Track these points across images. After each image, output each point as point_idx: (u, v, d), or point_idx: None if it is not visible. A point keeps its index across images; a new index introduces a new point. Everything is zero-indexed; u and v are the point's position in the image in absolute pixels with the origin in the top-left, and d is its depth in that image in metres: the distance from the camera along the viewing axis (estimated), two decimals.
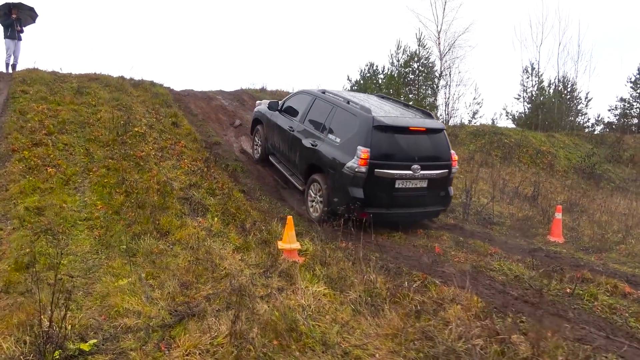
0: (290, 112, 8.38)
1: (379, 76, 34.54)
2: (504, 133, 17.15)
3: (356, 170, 6.27)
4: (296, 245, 5.17)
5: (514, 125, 25.12)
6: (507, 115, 28.54)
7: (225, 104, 13.33)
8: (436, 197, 6.85)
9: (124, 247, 5.30)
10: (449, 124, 20.57)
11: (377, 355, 3.12)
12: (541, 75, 28.61)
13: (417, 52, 23.15)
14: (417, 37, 24.38)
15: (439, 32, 23.06)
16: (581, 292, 4.38)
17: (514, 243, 6.66)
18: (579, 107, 29.96)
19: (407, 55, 23.97)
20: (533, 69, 27.84)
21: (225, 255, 5.20)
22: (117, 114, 9.48)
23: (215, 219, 6.55)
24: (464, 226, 7.41)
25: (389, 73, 25.05)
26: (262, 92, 15.21)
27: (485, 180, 11.33)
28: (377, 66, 33.79)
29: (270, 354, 3.13)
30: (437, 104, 21.53)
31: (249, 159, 9.87)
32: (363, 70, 34.58)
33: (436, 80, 21.41)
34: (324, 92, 7.89)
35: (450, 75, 22.62)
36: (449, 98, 23.32)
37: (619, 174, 15.86)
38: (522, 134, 17.45)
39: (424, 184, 6.60)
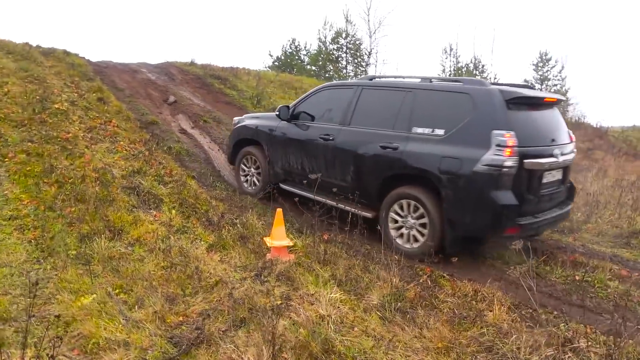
0: (313, 117, 6.08)
1: (301, 52, 34.04)
2: None
3: (502, 164, 4.25)
4: (287, 241, 4.56)
5: None
6: None
7: (152, 77, 11.96)
8: (566, 191, 5.34)
9: (73, 252, 4.32)
10: None
11: None
12: (459, 56, 29.99)
13: (345, 28, 22.86)
14: (344, 13, 24.11)
15: (368, 9, 22.89)
16: (590, 278, 4.30)
17: None
18: None
19: (335, 32, 23.61)
20: (451, 49, 29.00)
21: (200, 257, 4.44)
22: (30, 88, 7.96)
23: (173, 211, 5.68)
24: None
25: (316, 49, 24.56)
26: (192, 66, 13.93)
27: None
28: (299, 42, 33.15)
29: None
30: None
31: (207, 156, 8.82)
32: (285, 46, 33.83)
33: (366, 57, 21.30)
34: (371, 79, 6.01)
35: (377, 53, 22.74)
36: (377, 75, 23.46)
37: None
38: None
39: (560, 174, 4.99)
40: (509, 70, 40.43)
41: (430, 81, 5.17)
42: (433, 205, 4.63)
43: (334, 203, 5.35)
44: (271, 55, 34.50)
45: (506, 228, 4.41)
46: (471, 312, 3.36)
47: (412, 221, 4.86)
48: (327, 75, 24.69)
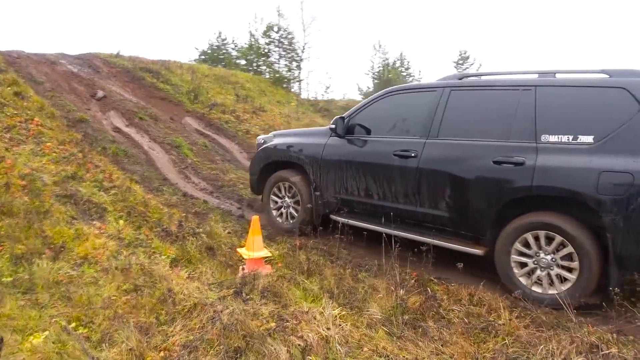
0: (375, 130, 4.89)
1: (228, 46, 32.92)
2: None
3: None
4: (265, 252, 4.12)
5: (360, 99, 26.29)
6: (358, 90, 29.88)
7: (74, 70, 10.77)
8: None
9: (8, 279, 3.59)
10: (309, 97, 20.46)
11: None
12: (387, 53, 30.57)
13: (277, 22, 22.25)
14: (276, 7, 23.53)
15: (302, 3, 22.50)
16: None
17: None
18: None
19: (266, 26, 22.93)
20: (380, 46, 29.50)
21: (167, 275, 3.88)
22: None
23: (121, 221, 5.03)
24: None
25: (247, 43, 23.74)
26: (118, 58, 12.76)
27: None
28: (226, 35, 32.03)
29: None
30: (301, 78, 21.11)
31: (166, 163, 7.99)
32: (211, 40, 32.54)
33: (300, 52, 20.90)
34: (461, 78, 4.59)
35: (310, 48, 22.41)
36: (309, 71, 23.20)
37: None
38: None
39: None
40: (432, 67, 42.07)
41: (554, 75, 4.04)
42: (586, 237, 3.52)
43: (419, 237, 4.31)
44: (197, 49, 33.10)
45: None
46: (481, 321, 3.16)
47: (548, 258, 3.68)
48: (258, 69, 23.99)
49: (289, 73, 21.21)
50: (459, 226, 4.18)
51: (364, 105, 5.06)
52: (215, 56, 31.75)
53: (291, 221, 5.47)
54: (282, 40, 22.52)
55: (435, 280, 4.15)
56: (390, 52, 32.83)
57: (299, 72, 21.11)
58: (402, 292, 3.40)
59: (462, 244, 4.13)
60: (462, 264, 3.72)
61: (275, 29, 22.81)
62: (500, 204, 3.89)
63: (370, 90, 29.72)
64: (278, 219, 5.63)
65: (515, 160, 3.80)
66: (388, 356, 2.83)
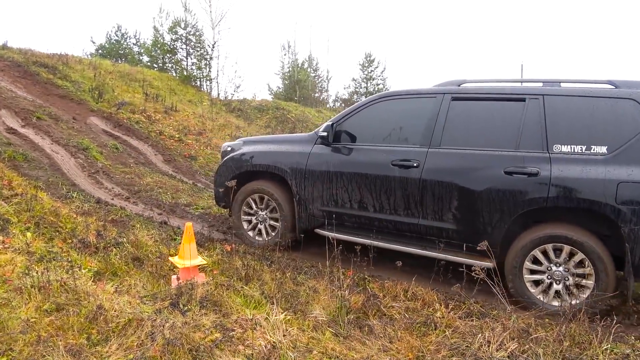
0: (366, 137, 4.63)
1: (130, 40, 31.09)
2: (285, 108, 17.73)
3: None
4: (200, 260, 3.96)
5: (271, 99, 26.34)
6: (268, 90, 29.85)
7: None
8: None
9: None
10: (219, 96, 20.05)
11: None
12: (296, 53, 30.86)
13: (185, 18, 21.43)
14: (182, 1, 22.65)
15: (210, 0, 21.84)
16: None
17: None
18: (323, 85, 33.76)
19: (172, 22, 21.98)
20: (289, 46, 29.71)
21: (89, 290, 3.58)
22: None
23: (28, 234, 4.54)
24: None
25: (152, 38, 22.56)
26: (6, 50, 11.49)
27: None
28: (127, 29, 30.26)
29: None
30: (212, 76, 20.51)
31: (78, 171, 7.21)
32: (109, 33, 30.53)
33: (210, 50, 20.28)
34: (460, 84, 4.41)
35: (220, 47, 21.86)
36: (219, 70, 22.61)
37: None
38: (300, 109, 18.38)
39: None
40: (340, 69, 43.26)
41: (559, 85, 4.04)
42: (598, 248, 3.53)
43: (421, 251, 4.16)
44: (93, 42, 30.84)
45: None
46: (420, 315, 3.33)
47: (561, 270, 3.66)
48: (165, 67, 22.94)
49: (199, 71, 20.56)
50: (467, 239, 4.02)
51: (352, 111, 4.74)
52: (115, 51, 29.84)
53: (267, 237, 5.07)
54: (189, 37, 21.76)
55: (369, 278, 4.29)
56: (299, 53, 33.10)
57: (209, 71, 20.55)
58: (345, 292, 3.45)
59: (470, 258, 3.95)
60: (400, 262, 3.86)
61: (182, 25, 21.99)
62: (512, 217, 3.81)
63: (281, 90, 29.86)
64: (250, 233, 5.20)
65: (528, 170, 3.74)
66: (338, 357, 2.87)
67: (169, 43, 22.38)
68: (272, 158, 5.04)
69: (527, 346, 2.85)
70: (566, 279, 3.66)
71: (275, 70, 33.66)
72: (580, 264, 3.60)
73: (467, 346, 2.87)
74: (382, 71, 35.06)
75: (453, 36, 55.06)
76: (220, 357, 2.73)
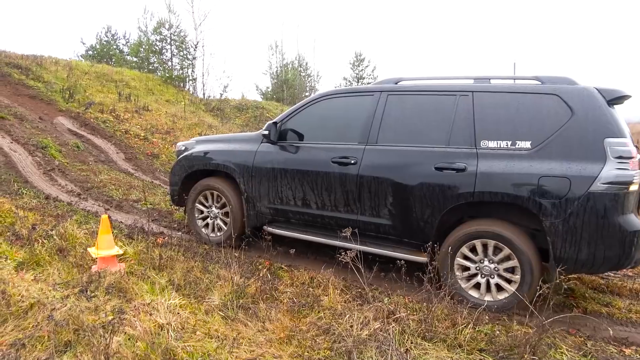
0: (309, 135, 4.72)
1: (119, 42, 31.32)
2: (264, 107, 17.93)
3: (631, 181, 3.40)
4: (115, 250, 4.19)
5: (261, 99, 26.59)
6: (256, 90, 30.08)
7: None
8: None
9: None
10: (205, 97, 20.28)
11: None
12: (284, 53, 31.13)
13: (168, 19, 21.69)
14: (166, 2, 22.90)
15: (192, 0, 22.08)
16: None
17: None
18: (312, 84, 34.02)
19: (157, 22, 22.24)
20: (277, 46, 29.96)
21: (6, 278, 3.81)
22: None
23: None
24: None
25: (137, 39, 22.81)
26: None
27: None
28: (116, 30, 30.51)
29: None
30: (195, 76, 20.77)
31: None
32: (100, 34, 30.78)
33: (192, 50, 20.53)
34: (397, 82, 4.48)
35: (204, 46, 22.10)
36: (204, 70, 22.88)
37: None
38: (280, 108, 18.59)
39: None
40: (331, 68, 43.51)
41: (489, 81, 4.09)
42: (524, 242, 3.61)
43: (361, 247, 4.09)
44: (84, 43, 31.08)
45: (637, 261, 3.49)
46: (309, 299, 3.56)
47: (491, 266, 3.74)
48: (150, 67, 23.18)
49: (182, 72, 20.80)
50: (402, 234, 4.12)
51: (296, 110, 4.80)
52: (105, 52, 30.08)
53: (219, 233, 5.18)
54: (174, 37, 22.02)
55: (285, 267, 4.52)
56: (287, 53, 33.37)
57: (192, 71, 20.80)
58: (239, 278, 3.69)
59: (406, 253, 4.04)
60: (293, 250, 4.10)
61: (167, 25, 22.25)
62: (442, 211, 3.88)
63: (269, 90, 30.11)
64: (204, 230, 5.29)
65: (456, 166, 3.81)
66: (219, 337, 3.10)
67: (154, 44, 22.64)
68: (221, 157, 5.12)
69: (391, 325, 3.09)
70: (493, 274, 3.73)
71: (263, 70, 33.89)
72: (507, 258, 3.66)
73: (336, 325, 3.10)
74: (373, 70, 35.33)
75: (445, 35, 55.29)
76: (104, 336, 2.95)
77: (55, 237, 4.65)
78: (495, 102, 3.88)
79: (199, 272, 4.03)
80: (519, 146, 3.69)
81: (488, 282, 3.78)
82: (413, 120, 4.22)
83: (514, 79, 4.18)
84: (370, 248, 4.19)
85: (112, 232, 5.31)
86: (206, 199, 5.27)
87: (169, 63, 22.30)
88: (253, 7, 48.40)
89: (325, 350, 2.87)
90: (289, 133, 4.77)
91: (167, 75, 20.21)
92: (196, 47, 20.54)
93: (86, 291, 3.67)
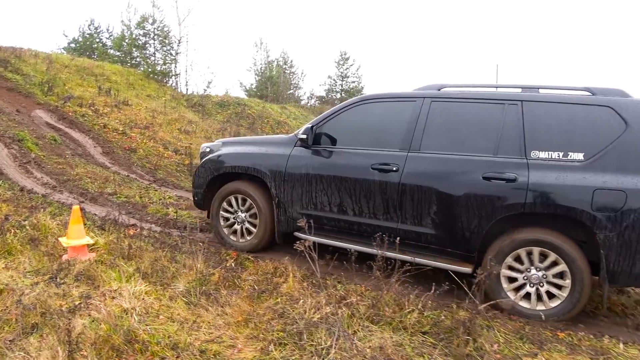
0: (345, 140, 4.58)
1: (102, 35, 31.06)
2: (246, 104, 18.06)
3: None
4: (86, 240, 4.34)
5: (245, 96, 26.68)
6: (240, 86, 30.13)
7: None
8: None
9: None
10: (188, 92, 20.32)
11: (238, 346, 3.00)
12: (269, 50, 31.22)
13: (152, 13, 21.64)
14: None
15: None
16: None
17: None
18: (297, 82, 34.16)
19: (140, 17, 22.15)
20: (262, 43, 30.03)
21: None
22: None
23: None
24: None
25: (120, 33, 22.70)
26: None
27: None
28: (99, 24, 30.25)
29: None
30: (178, 72, 20.78)
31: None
32: (82, 27, 30.49)
33: (175, 46, 20.53)
34: (440, 88, 4.40)
35: (187, 42, 22.08)
36: (187, 66, 22.88)
37: None
38: (262, 105, 18.73)
39: None
40: (316, 66, 43.67)
41: (537, 90, 4.03)
42: (574, 251, 3.59)
43: (402, 256, 3.91)
44: (66, 36, 30.77)
45: None
46: (269, 286, 3.78)
47: (539, 275, 3.71)
48: (133, 62, 23.09)
49: (165, 67, 20.79)
50: (446, 244, 4.01)
51: (332, 114, 4.68)
52: (87, 45, 29.79)
53: (248, 238, 5.01)
54: (157, 32, 21.97)
55: (251, 258, 4.72)
56: (272, 50, 33.48)
57: (175, 66, 20.81)
58: (203, 267, 3.88)
59: (449, 262, 3.97)
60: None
61: (150, 20, 22.18)
62: (490, 221, 3.79)
63: (253, 86, 30.18)
64: (232, 237, 5.10)
65: (506, 176, 3.73)
66: (180, 321, 3.29)
67: (137, 38, 22.56)
68: (251, 160, 4.94)
69: (341, 310, 3.31)
70: (542, 283, 3.70)
71: (247, 67, 34.03)
72: (555, 264, 3.65)
73: (291, 309, 3.31)
74: (357, 69, 35.60)
75: (429, 36, 55.83)
76: (69, 318, 3.12)
77: (27, 227, 4.78)
78: (545, 112, 3.83)
79: (167, 262, 4.21)
80: (572, 157, 3.65)
81: (537, 291, 3.73)
82: (458, 128, 4.14)
83: (564, 89, 4.06)
84: (410, 257, 4.02)
85: (85, 224, 5.48)
86: (230, 203, 5.08)
87: (152, 58, 22.26)
88: (238, 3, 48.31)
89: (279, 332, 3.08)
90: (324, 137, 4.65)
91: (149, 70, 20.18)
92: (179, 43, 20.57)
93: (55, 278, 3.83)
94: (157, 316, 3.34)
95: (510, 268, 3.80)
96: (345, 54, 35.15)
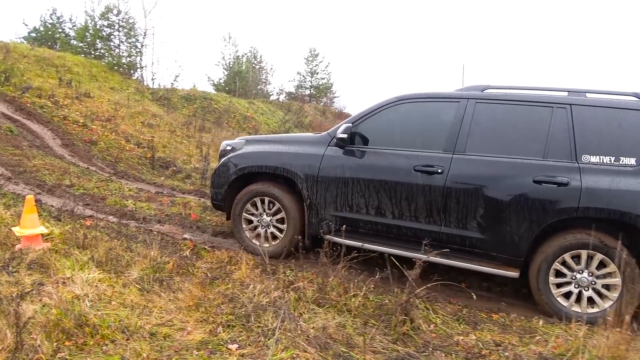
0: (387, 140, 4.46)
1: (65, 25, 30.17)
2: (213, 98, 17.97)
3: None
4: (40, 229, 4.35)
5: (213, 90, 26.48)
6: (208, 80, 29.85)
7: None
8: None
9: None
10: (154, 86, 20.03)
11: (188, 328, 3.12)
12: (237, 45, 31.05)
13: (117, 4, 21.17)
14: None
15: None
16: None
17: None
18: (266, 77, 34.09)
19: (105, 7, 21.64)
20: (230, 37, 29.83)
21: None
22: None
23: None
24: (205, 190, 7.68)
25: (84, 24, 22.10)
26: None
27: (208, 145, 11.75)
28: (62, 13, 29.38)
29: (69, 358, 2.71)
30: (144, 65, 20.44)
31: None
32: (44, 16, 29.56)
33: (141, 38, 20.18)
34: (483, 89, 4.32)
35: (154, 34, 21.74)
36: (154, 59, 22.50)
37: None
38: (229, 100, 18.66)
39: None
40: (286, 62, 43.64)
41: (585, 95, 4.02)
42: (624, 257, 3.55)
43: (445, 261, 4.00)
44: (26, 25, 29.74)
45: None
46: (222, 273, 3.91)
47: (590, 279, 3.71)
48: (97, 53, 22.55)
49: (129, 59, 20.43)
50: (492, 248, 3.93)
51: (368, 113, 4.53)
52: (49, 35, 28.88)
53: (274, 242, 4.79)
54: (122, 24, 21.53)
55: (207, 248, 4.83)
56: (240, 45, 33.27)
57: (141, 59, 20.48)
58: (157, 255, 3.98)
59: (495, 267, 3.88)
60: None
61: (115, 11, 21.71)
62: (541, 226, 3.77)
63: (222, 81, 29.94)
64: (253, 240, 4.87)
65: (558, 180, 3.72)
66: (133, 306, 3.39)
67: (101, 29, 22.03)
68: (280, 159, 4.72)
69: (289, 294, 3.48)
70: (592, 284, 3.71)
71: (215, 61, 33.76)
72: (604, 268, 3.66)
73: (241, 294, 3.46)
74: (327, 66, 35.79)
75: (397, 34, 56.60)
76: (20, 304, 3.17)
77: None
78: (595, 116, 3.82)
79: (122, 251, 4.28)
80: (624, 162, 3.66)
81: (580, 294, 3.75)
82: (504, 130, 4.08)
83: (611, 94, 4.06)
84: (454, 262, 4.02)
85: (41, 214, 5.46)
86: (255, 205, 4.86)
87: (117, 50, 21.79)
88: None
89: (228, 315, 3.22)
90: (357, 137, 4.52)
91: (114, 62, 19.78)
92: (145, 35, 20.24)
93: (8, 267, 3.85)
94: (110, 302, 3.42)
95: (557, 272, 3.79)
96: (314, 51, 35.28)
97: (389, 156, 4.33)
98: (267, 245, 4.78)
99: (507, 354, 2.76)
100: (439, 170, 4.06)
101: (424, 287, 3.47)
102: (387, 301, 3.69)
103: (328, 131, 4.75)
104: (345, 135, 4.38)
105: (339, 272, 3.70)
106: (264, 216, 4.82)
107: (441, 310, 3.79)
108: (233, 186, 4.93)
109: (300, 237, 4.40)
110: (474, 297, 3.84)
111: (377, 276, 3.83)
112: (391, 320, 3.30)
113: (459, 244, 4.07)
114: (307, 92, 35.03)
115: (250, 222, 4.89)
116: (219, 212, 5.59)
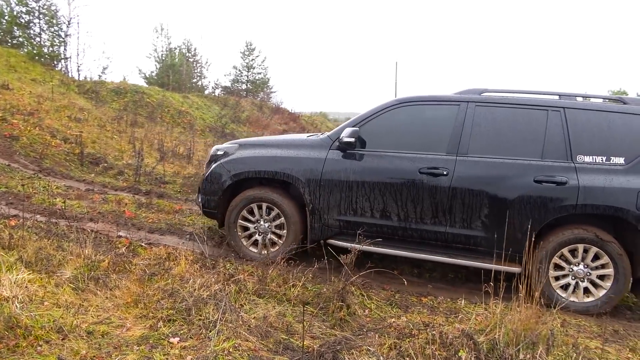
0: (389, 143, 4.50)
1: None
2: (145, 92, 17.34)
3: None
4: None
5: (145, 84, 25.50)
6: (139, 73, 28.65)
7: None
8: None
9: None
10: (80, 78, 18.96)
11: (127, 325, 3.10)
12: (170, 37, 30.01)
13: None
14: None
15: None
16: None
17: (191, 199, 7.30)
18: (201, 70, 33.29)
19: None
20: (163, 29, 28.81)
21: None
22: None
23: None
24: (140, 187, 7.47)
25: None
26: None
27: (141, 140, 11.38)
28: None
29: None
30: (68, 55, 19.26)
31: None
32: None
33: (65, 27, 18.99)
34: (481, 92, 4.47)
35: (79, 23, 20.48)
36: (79, 49, 21.21)
37: (242, 132, 18.81)
38: (162, 94, 18.07)
39: None
40: (221, 56, 42.84)
41: (575, 98, 4.35)
42: (618, 250, 3.94)
43: (450, 260, 4.23)
44: None
45: None
46: (161, 270, 3.89)
47: (587, 270, 4.04)
48: (15, 42, 20.95)
49: (52, 49, 19.17)
50: (497, 245, 4.02)
51: (369, 117, 4.56)
52: None
53: (273, 249, 4.66)
54: (42, 11, 20.13)
55: (144, 245, 4.76)
56: (174, 37, 32.22)
57: (65, 49, 19.28)
58: (91, 253, 3.89)
59: (498, 263, 3.92)
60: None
61: None
62: (541, 223, 4.04)
63: (154, 74, 28.84)
64: (251, 247, 4.77)
65: (557, 179, 4.01)
66: (67, 306, 3.31)
67: (19, 15, 20.46)
68: (279, 164, 4.62)
69: (230, 287, 3.55)
70: (588, 275, 4.04)
71: (147, 54, 32.41)
72: (598, 260, 4.00)
73: (182, 289, 3.48)
74: (263, 60, 35.51)
75: (331, 30, 57.33)
76: None
77: None
78: (587, 119, 4.15)
79: (52, 250, 4.13)
80: (614, 162, 4.02)
81: (577, 285, 4.09)
82: (503, 132, 4.29)
83: (597, 98, 4.49)
84: (459, 260, 4.24)
85: None
86: (252, 212, 4.74)
87: (38, 39, 20.36)
88: None
89: (168, 310, 3.23)
90: (359, 140, 4.52)
91: (34, 52, 18.48)
92: (70, 24, 19.06)
93: None
94: (42, 303, 3.32)
95: (556, 266, 4.11)
96: (251, 45, 34.87)
97: (393, 159, 4.41)
98: (265, 252, 4.63)
99: (434, 332, 3.01)
100: (445, 172, 4.22)
101: (359, 274, 3.67)
102: (324, 290, 3.86)
103: (328, 134, 4.76)
104: (352, 139, 4.35)
105: (279, 263, 3.82)
106: (262, 222, 4.73)
107: (375, 296, 4.03)
108: (227, 193, 4.80)
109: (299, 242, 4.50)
110: (405, 282, 4.12)
111: (315, 266, 4.00)
112: (329, 307, 3.48)
113: (464, 243, 4.28)
114: (244, 86, 34.57)
115: (246, 229, 4.78)
116: (210, 218, 5.33)
